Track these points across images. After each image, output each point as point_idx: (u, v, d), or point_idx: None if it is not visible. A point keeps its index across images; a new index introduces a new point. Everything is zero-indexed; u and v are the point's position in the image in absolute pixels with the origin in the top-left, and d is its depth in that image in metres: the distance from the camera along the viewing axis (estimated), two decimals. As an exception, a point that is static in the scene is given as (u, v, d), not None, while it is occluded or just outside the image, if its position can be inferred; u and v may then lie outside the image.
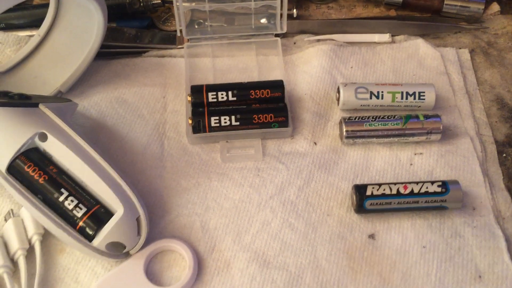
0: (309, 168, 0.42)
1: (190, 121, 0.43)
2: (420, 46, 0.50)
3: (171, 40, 0.50)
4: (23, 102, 0.38)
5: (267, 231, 0.39)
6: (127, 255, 0.37)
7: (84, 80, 0.47)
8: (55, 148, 0.36)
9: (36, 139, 0.36)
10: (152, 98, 0.47)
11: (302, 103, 0.46)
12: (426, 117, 0.43)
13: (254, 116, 0.43)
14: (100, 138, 0.44)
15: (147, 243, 0.37)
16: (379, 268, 0.37)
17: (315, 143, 0.44)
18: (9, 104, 0.37)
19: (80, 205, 0.35)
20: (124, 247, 0.36)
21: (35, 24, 0.48)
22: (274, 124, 0.43)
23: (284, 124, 0.43)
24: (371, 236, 0.39)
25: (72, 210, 0.35)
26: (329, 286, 0.36)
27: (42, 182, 0.36)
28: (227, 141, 0.44)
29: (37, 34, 0.46)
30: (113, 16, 0.49)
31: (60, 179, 0.36)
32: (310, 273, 0.37)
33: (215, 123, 0.43)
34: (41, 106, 0.38)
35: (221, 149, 0.43)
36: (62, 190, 0.36)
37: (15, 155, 0.36)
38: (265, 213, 0.40)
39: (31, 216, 0.38)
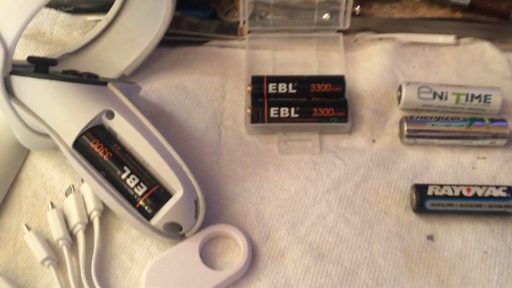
0: (367, 165, 0.42)
1: (249, 111, 0.43)
2: (486, 50, 0.49)
3: (233, 31, 0.51)
4: (93, 80, 0.39)
5: (323, 225, 0.39)
6: (182, 237, 0.37)
7: (147, 65, 0.48)
8: (120, 126, 0.37)
9: (103, 117, 0.37)
10: (211, 87, 0.47)
11: (361, 100, 0.46)
12: (492, 120, 0.41)
13: (313, 109, 0.43)
14: (159, 123, 0.45)
15: (202, 227, 0.37)
16: (437, 270, 0.36)
17: (374, 141, 0.43)
18: (79, 80, 0.38)
19: (141, 183, 0.36)
20: (181, 229, 0.37)
21: (103, 9, 0.49)
22: (333, 119, 0.43)
23: (343, 119, 0.43)
24: (430, 237, 0.38)
25: (133, 188, 0.36)
26: (385, 284, 0.36)
27: (106, 159, 0.36)
28: (284, 133, 0.44)
29: (105, 17, 0.47)
30: (177, 5, 0.50)
31: (123, 157, 0.37)
32: (366, 269, 0.36)
33: (274, 113, 0.43)
34: (109, 85, 0.39)
35: (278, 141, 0.43)
36: (125, 168, 0.36)
37: (82, 131, 0.36)
38: (321, 207, 0.40)
39: (92, 192, 0.39)
